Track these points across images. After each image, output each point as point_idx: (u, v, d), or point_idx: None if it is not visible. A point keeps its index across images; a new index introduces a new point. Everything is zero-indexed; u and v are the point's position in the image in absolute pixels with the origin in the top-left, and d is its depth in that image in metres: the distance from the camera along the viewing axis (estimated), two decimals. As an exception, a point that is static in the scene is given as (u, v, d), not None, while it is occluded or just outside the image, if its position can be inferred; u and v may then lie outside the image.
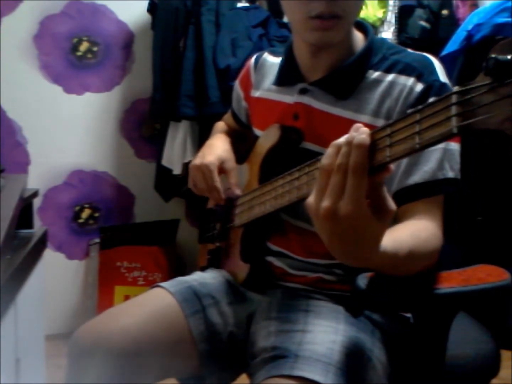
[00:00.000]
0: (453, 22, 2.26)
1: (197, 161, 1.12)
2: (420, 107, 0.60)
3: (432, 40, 2.26)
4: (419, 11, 2.28)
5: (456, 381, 0.95)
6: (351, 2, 0.92)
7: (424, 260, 0.81)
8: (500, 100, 0.50)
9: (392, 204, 0.66)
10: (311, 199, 0.66)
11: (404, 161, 0.90)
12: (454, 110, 0.55)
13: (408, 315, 1.00)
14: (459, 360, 0.96)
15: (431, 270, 0.84)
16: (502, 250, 1.21)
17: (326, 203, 0.64)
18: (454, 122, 0.55)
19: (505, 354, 1.05)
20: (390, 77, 0.95)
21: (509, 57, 0.50)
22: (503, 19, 1.57)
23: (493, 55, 0.50)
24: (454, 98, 0.55)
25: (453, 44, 1.72)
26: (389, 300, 0.85)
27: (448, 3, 2.30)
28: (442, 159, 0.90)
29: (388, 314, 0.99)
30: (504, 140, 0.52)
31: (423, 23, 2.27)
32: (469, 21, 1.70)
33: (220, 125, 1.31)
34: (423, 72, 0.92)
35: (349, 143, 0.64)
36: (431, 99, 0.84)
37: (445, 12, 2.28)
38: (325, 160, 0.66)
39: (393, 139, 0.62)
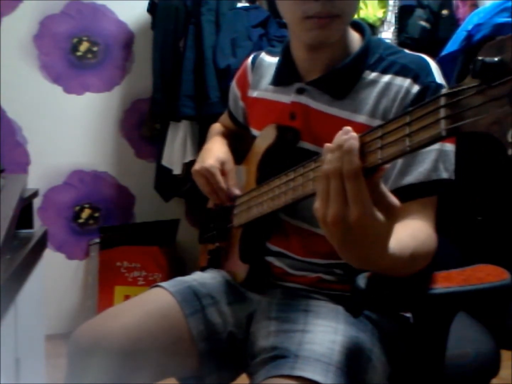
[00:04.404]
0: (453, 22, 2.26)
1: (197, 166, 1.12)
2: (410, 109, 0.60)
3: (432, 40, 2.26)
4: (419, 11, 2.28)
5: (456, 381, 0.95)
6: (348, 1, 0.92)
7: (422, 261, 0.81)
8: (488, 102, 0.50)
9: (394, 200, 0.65)
10: (317, 205, 0.66)
11: (399, 162, 0.90)
12: (443, 112, 0.55)
13: (408, 315, 1.00)
14: (459, 360, 0.96)
15: (430, 270, 0.84)
16: (502, 250, 1.20)
17: (332, 210, 0.63)
18: (443, 125, 0.55)
19: (505, 354, 1.05)
20: (387, 78, 0.95)
21: (496, 59, 0.49)
22: (503, 19, 1.57)
23: (480, 57, 0.50)
24: (443, 101, 0.55)
25: (453, 44, 1.71)
26: (389, 300, 0.85)
27: (448, 3, 2.31)
28: (436, 160, 0.89)
29: (388, 314, 0.99)
30: (492, 142, 0.51)
31: (423, 23, 2.27)
32: (469, 21, 1.70)
33: (216, 127, 1.31)
34: (419, 74, 0.92)
35: (339, 147, 0.63)
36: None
37: (445, 12, 2.28)
38: (324, 165, 0.65)
39: (384, 141, 0.62)
